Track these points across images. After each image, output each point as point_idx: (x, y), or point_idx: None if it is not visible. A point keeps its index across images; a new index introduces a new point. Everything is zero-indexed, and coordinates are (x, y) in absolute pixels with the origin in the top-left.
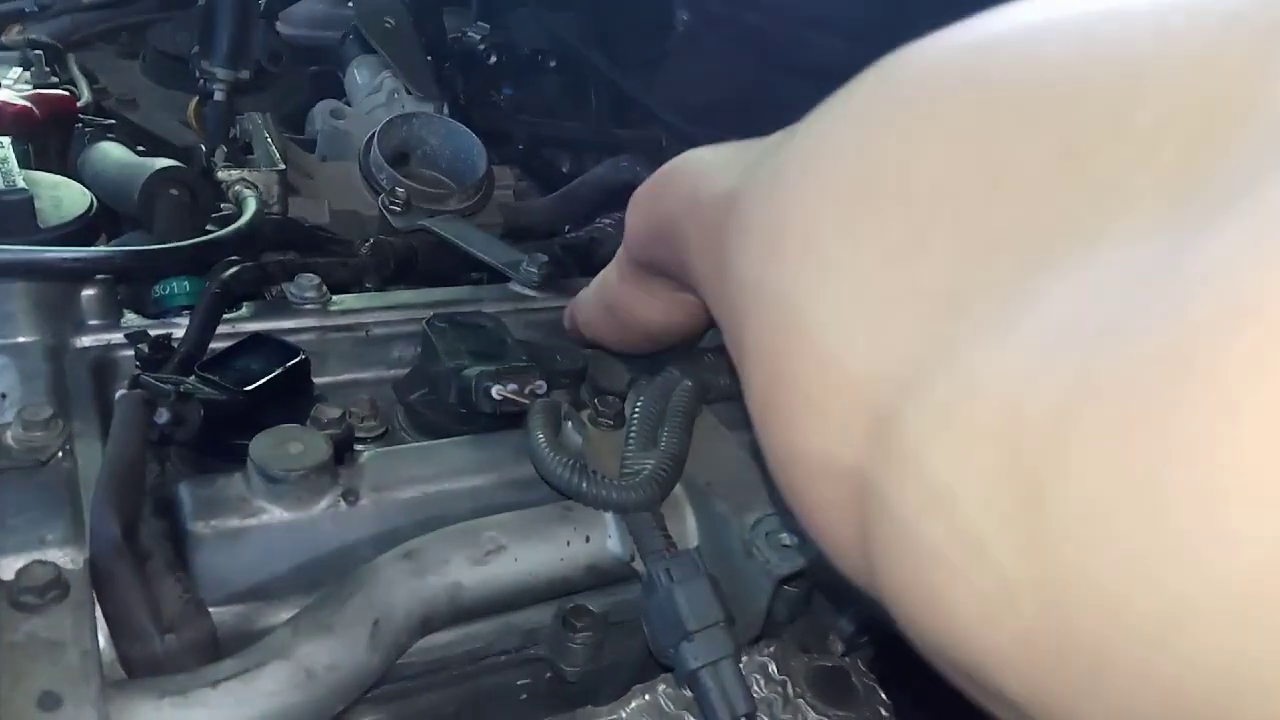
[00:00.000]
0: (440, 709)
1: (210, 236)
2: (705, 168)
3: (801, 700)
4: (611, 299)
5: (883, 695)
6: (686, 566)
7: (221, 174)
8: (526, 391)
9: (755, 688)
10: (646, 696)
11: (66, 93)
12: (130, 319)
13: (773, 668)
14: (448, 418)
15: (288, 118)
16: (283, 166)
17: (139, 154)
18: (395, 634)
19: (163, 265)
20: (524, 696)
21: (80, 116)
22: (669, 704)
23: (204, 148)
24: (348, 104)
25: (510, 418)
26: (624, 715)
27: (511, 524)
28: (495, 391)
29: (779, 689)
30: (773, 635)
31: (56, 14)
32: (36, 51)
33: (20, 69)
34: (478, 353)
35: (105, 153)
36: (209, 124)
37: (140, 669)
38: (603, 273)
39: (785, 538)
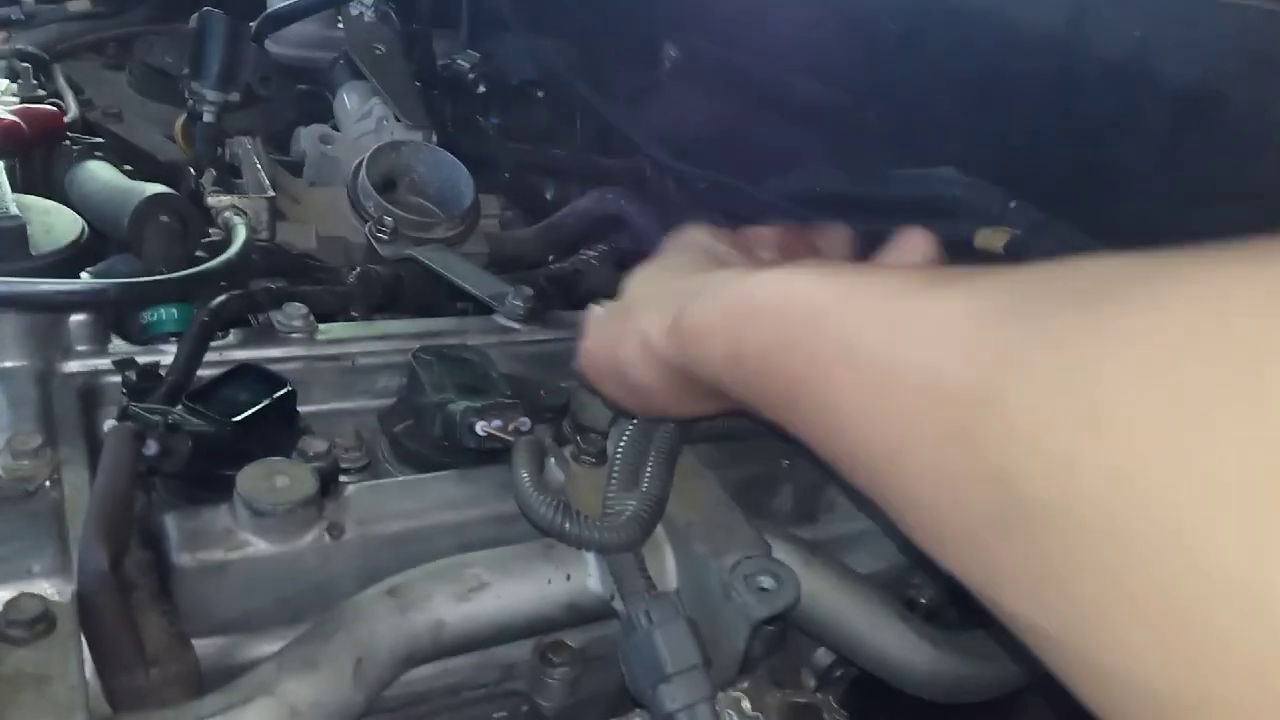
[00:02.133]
0: None
1: (201, 269)
2: (850, 316)
3: None
4: (636, 384)
5: None
6: (666, 609)
7: (211, 200)
8: (511, 428)
9: None
10: None
11: (54, 108)
12: (117, 345)
13: (746, 704)
14: (432, 450)
15: (274, 136)
16: (272, 193)
17: (126, 174)
18: (378, 670)
19: (152, 296)
20: None
21: (68, 134)
22: None
23: (192, 170)
24: (335, 128)
25: (494, 452)
26: None
27: (494, 561)
28: (480, 428)
29: None
30: (747, 671)
31: (43, 23)
32: (24, 64)
33: (6, 80)
34: (463, 386)
35: (93, 173)
36: (198, 145)
37: (125, 702)
38: (623, 349)
39: (763, 580)
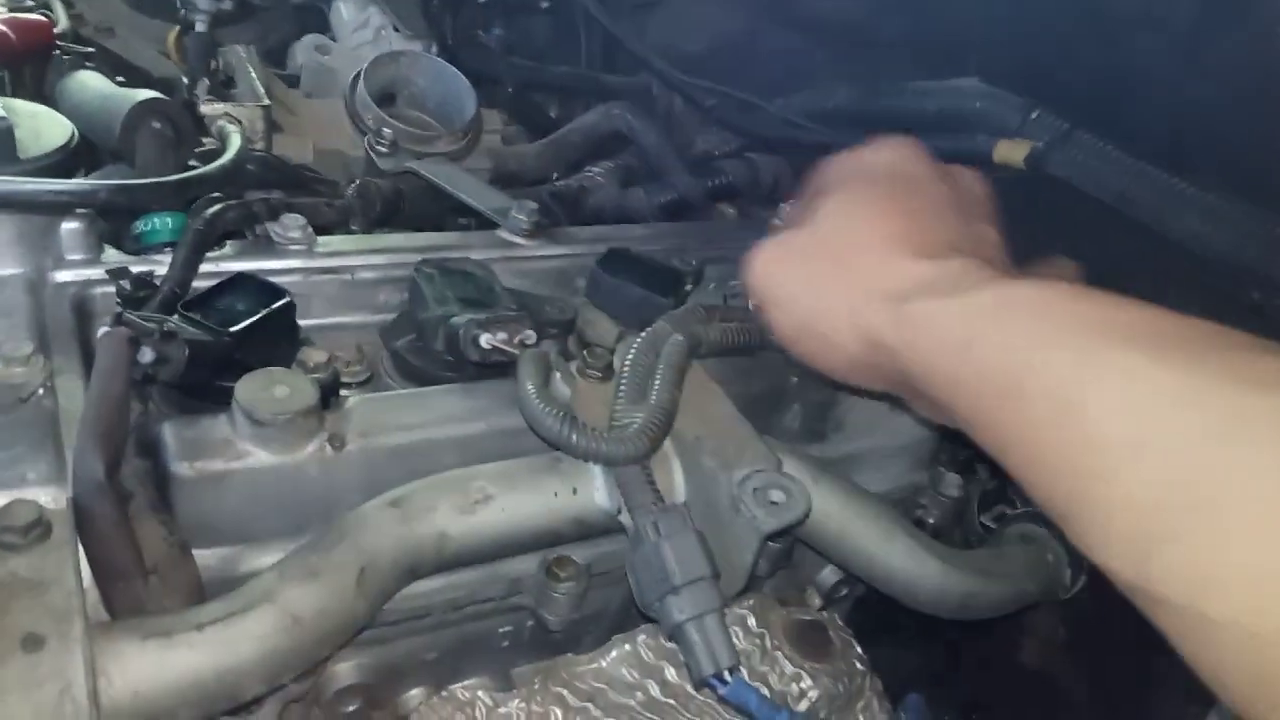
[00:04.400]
0: (421, 655)
1: (195, 172)
2: (1100, 396)
3: (779, 653)
4: (826, 333)
5: (858, 649)
6: (674, 521)
7: (205, 108)
8: (515, 341)
9: (734, 639)
10: (627, 646)
11: (43, 18)
12: (110, 255)
13: (752, 620)
14: (434, 365)
15: (270, 52)
16: (267, 102)
17: (119, 85)
18: (382, 581)
19: (146, 200)
20: (505, 644)
21: (58, 44)
22: (649, 654)
23: (185, 80)
24: (333, 39)
25: (497, 367)
26: (604, 664)
27: (499, 474)
28: (484, 340)
29: (757, 641)
30: (753, 589)
31: None
32: None
33: None
34: (466, 300)
35: (84, 82)
36: (190, 55)
37: (123, 610)
38: (827, 299)
39: (773, 494)
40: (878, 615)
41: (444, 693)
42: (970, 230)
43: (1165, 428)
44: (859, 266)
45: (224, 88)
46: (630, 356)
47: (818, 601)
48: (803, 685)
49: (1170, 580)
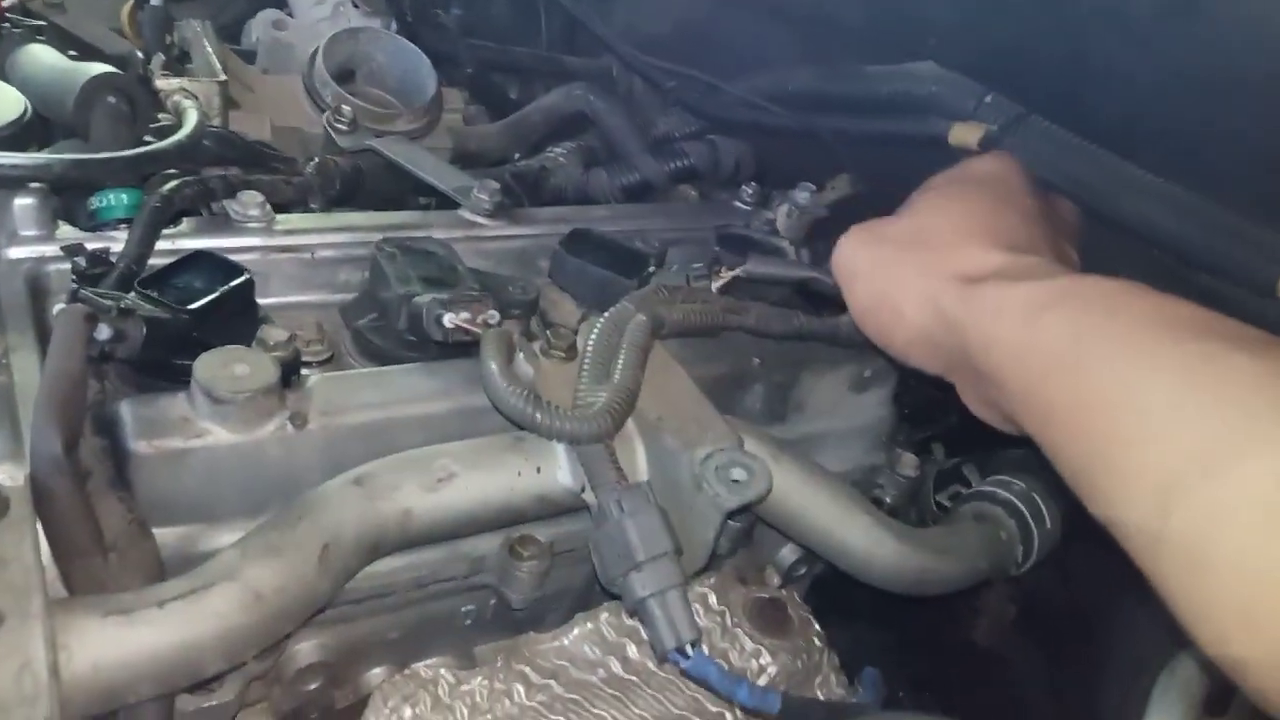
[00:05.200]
0: (384, 634)
1: (151, 148)
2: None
3: (739, 630)
4: (897, 309)
5: (816, 626)
6: (637, 498)
7: (160, 83)
8: (479, 321)
9: (696, 617)
10: (589, 624)
11: None
12: (65, 231)
13: (712, 599)
14: (396, 344)
15: (225, 27)
16: (224, 77)
17: (72, 59)
18: (344, 558)
19: (101, 175)
20: (468, 623)
21: (6, 16)
22: (611, 631)
23: (140, 54)
24: (290, 15)
25: (460, 346)
26: (567, 642)
27: (463, 452)
28: (447, 320)
29: (718, 619)
30: (714, 567)
31: None
32: None
33: None
34: (429, 279)
35: (36, 56)
36: (145, 30)
37: (83, 588)
38: (903, 277)
39: (735, 472)
40: (835, 594)
41: (406, 671)
42: (1053, 242)
43: (1200, 400)
44: (940, 251)
45: (179, 63)
46: (594, 337)
47: (777, 580)
48: (762, 661)
49: (1183, 525)
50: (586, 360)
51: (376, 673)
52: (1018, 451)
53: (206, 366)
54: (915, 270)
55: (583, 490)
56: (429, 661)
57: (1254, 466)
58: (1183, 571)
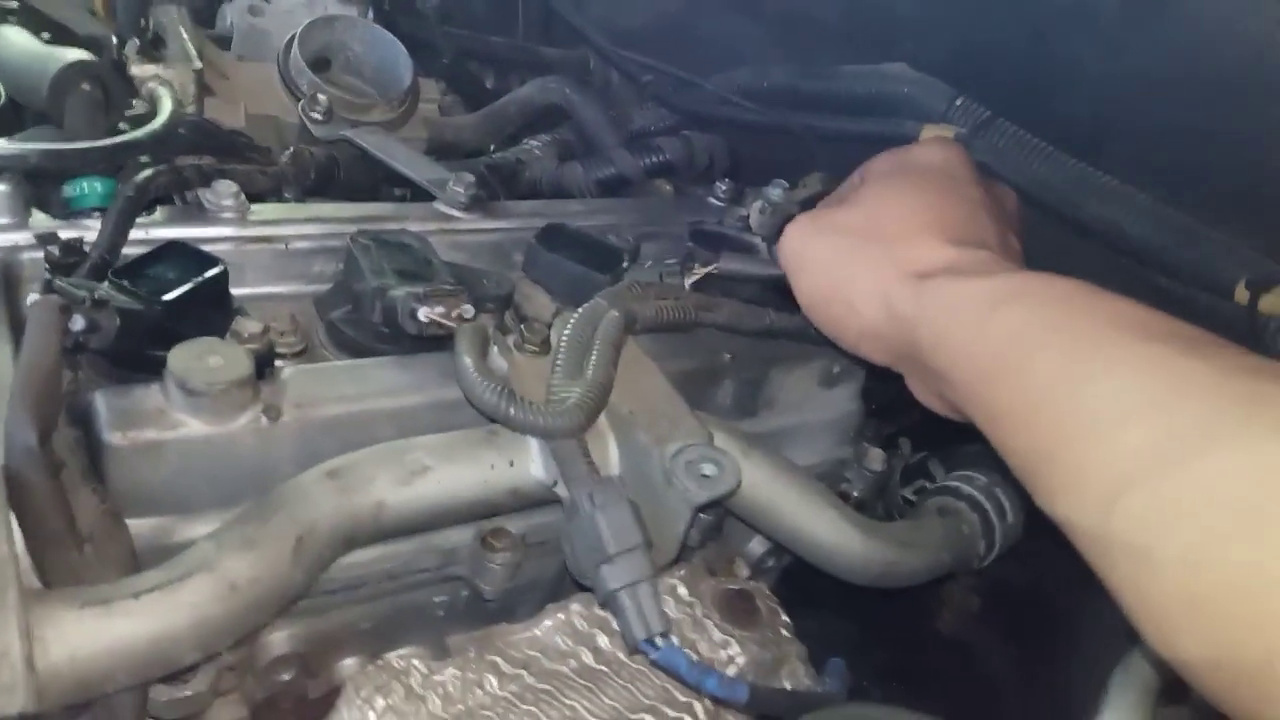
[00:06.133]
0: (356, 624)
1: (126, 137)
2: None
3: (709, 621)
4: (850, 303)
5: (784, 617)
6: (609, 492)
7: (135, 69)
8: (453, 315)
9: (666, 608)
10: (560, 615)
11: None
12: (38, 219)
13: (682, 590)
14: (370, 337)
15: (199, 12)
16: (199, 65)
17: (45, 42)
18: (318, 550)
19: (76, 166)
20: (441, 614)
21: None
22: (582, 622)
23: (115, 39)
24: (265, 0)
25: (434, 340)
26: (539, 633)
27: (437, 445)
28: (421, 313)
29: (688, 610)
30: (684, 559)
31: None
32: None
33: None
34: (403, 272)
35: (7, 39)
36: (119, 14)
37: (58, 579)
38: (858, 271)
39: (705, 467)
40: (803, 586)
41: (379, 661)
42: (999, 234)
43: (1147, 401)
44: (890, 244)
45: (154, 48)
46: (567, 332)
47: (746, 572)
48: (730, 652)
49: (1128, 523)
50: (560, 355)
51: (349, 663)
52: (981, 446)
53: (180, 358)
54: (866, 263)
55: (555, 484)
56: (401, 652)
57: (1199, 466)
58: (1128, 570)
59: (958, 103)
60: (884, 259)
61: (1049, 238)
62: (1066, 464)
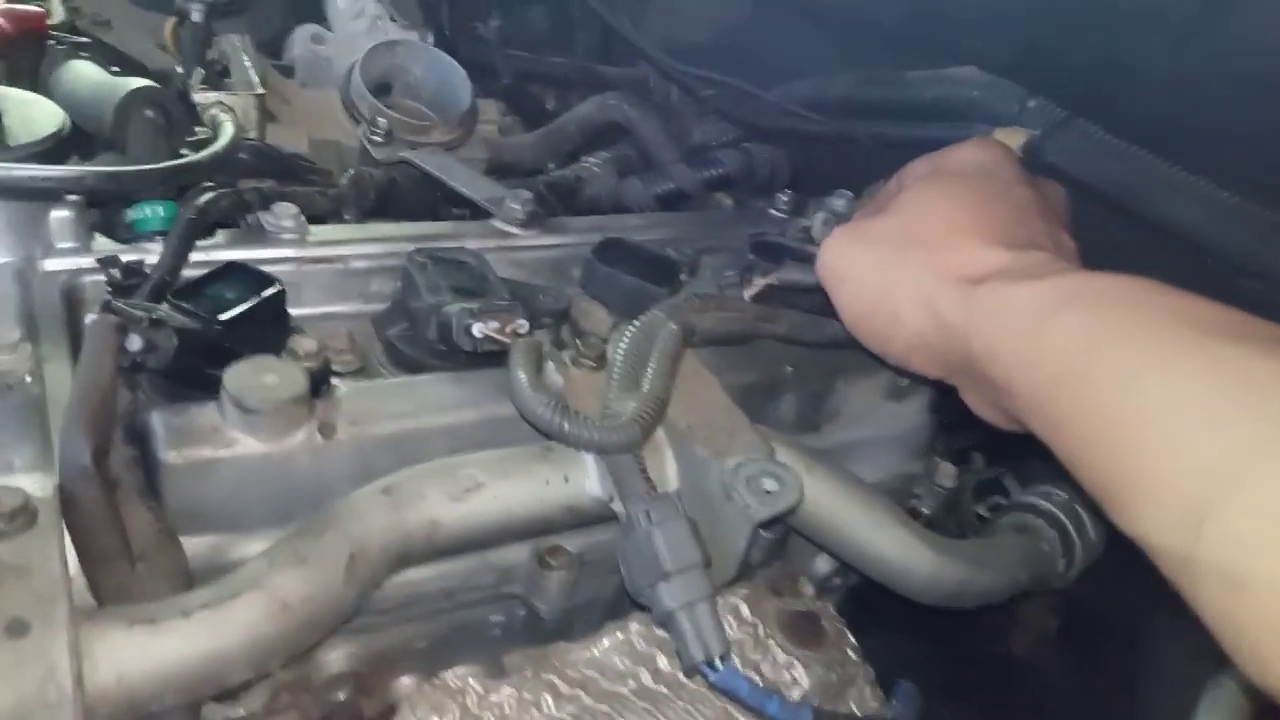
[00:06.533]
0: (412, 643)
1: (185, 160)
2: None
3: (771, 641)
4: (894, 314)
5: (851, 638)
6: (666, 509)
7: (198, 96)
8: (508, 330)
9: (727, 628)
10: (619, 634)
11: (39, 9)
12: (101, 243)
13: (745, 609)
14: (426, 354)
15: (266, 44)
16: (261, 90)
17: (114, 75)
18: (371, 568)
19: (136, 187)
20: (497, 632)
21: (52, 34)
22: (641, 642)
23: (180, 70)
24: (329, 29)
25: (490, 356)
26: (596, 652)
27: (491, 462)
28: (476, 329)
29: (750, 630)
30: (746, 578)
31: None
32: None
33: None
34: (459, 289)
35: (78, 71)
36: (185, 46)
37: (110, 597)
38: (902, 278)
39: (766, 482)
40: (872, 603)
41: (435, 680)
42: (1051, 234)
43: (1226, 406)
44: (933, 250)
45: (219, 77)
46: (624, 345)
47: (811, 591)
48: (794, 674)
49: (1217, 546)
50: (616, 369)
51: (405, 682)
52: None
53: (236, 377)
54: (910, 272)
55: (611, 500)
56: (457, 671)
57: None
58: (1219, 595)
59: (1030, 104)
60: (927, 266)
61: (1129, 241)
62: (1144, 483)
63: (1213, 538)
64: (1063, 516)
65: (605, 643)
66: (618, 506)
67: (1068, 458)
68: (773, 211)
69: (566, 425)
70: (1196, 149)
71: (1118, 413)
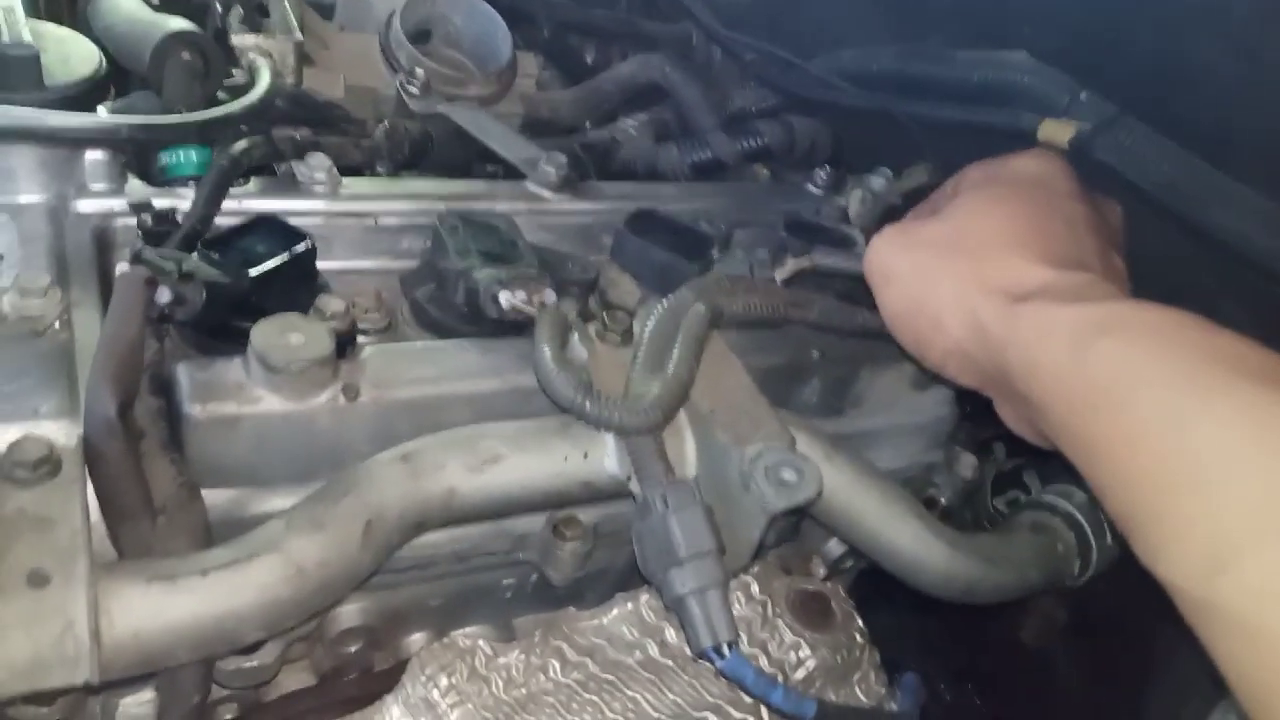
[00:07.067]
0: (425, 601)
1: (221, 111)
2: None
3: (780, 620)
4: (935, 319)
5: (859, 621)
6: (683, 495)
7: (236, 39)
8: (534, 300)
9: (735, 605)
10: (629, 605)
11: None
12: (134, 186)
13: (755, 587)
14: (454, 317)
15: None
16: (300, 37)
17: (152, 8)
18: (387, 535)
19: (170, 139)
20: (509, 595)
21: None
22: (650, 614)
23: (218, 6)
24: None
25: (516, 324)
26: (605, 621)
27: (511, 434)
28: (503, 298)
29: (759, 608)
30: (758, 557)
31: None
32: None
33: None
34: (489, 254)
35: (117, 6)
36: None
37: (130, 550)
38: (943, 288)
39: (785, 473)
40: (879, 586)
41: (445, 639)
42: (1101, 254)
43: (1257, 455)
44: (980, 260)
45: (258, 14)
46: (650, 325)
47: (822, 571)
48: (801, 654)
49: (1236, 594)
50: (641, 349)
51: (416, 638)
52: None
53: (263, 334)
54: (955, 279)
55: (629, 480)
56: (467, 631)
57: None
58: (1235, 644)
59: (1081, 97)
60: (972, 276)
61: (1173, 245)
62: (1168, 518)
63: (1232, 586)
64: (1081, 519)
65: (615, 612)
66: (635, 487)
67: (1094, 482)
68: (810, 187)
69: (588, 405)
70: (1247, 152)
71: (1148, 446)
